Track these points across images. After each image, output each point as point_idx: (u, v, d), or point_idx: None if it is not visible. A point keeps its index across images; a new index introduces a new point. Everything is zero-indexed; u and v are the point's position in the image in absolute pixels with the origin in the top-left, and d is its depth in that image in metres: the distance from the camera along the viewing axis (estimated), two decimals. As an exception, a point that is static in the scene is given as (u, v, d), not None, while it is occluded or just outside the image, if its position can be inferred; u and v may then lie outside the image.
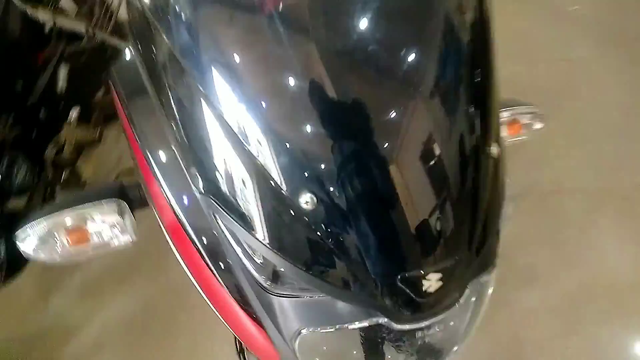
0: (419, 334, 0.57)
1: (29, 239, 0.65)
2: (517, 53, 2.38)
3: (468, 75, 0.54)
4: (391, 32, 0.51)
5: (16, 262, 1.55)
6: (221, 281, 0.60)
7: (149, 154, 0.64)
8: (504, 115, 0.77)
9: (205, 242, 0.60)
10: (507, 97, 0.79)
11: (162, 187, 0.63)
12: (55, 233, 0.65)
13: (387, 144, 0.49)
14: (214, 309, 0.64)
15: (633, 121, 2.08)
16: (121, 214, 0.67)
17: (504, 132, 0.80)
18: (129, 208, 0.68)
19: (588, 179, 1.93)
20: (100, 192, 0.67)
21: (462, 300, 0.58)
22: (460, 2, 0.55)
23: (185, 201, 0.61)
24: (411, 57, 0.50)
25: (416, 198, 0.50)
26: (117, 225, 0.67)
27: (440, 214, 0.51)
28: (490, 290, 0.62)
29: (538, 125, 0.82)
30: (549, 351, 1.53)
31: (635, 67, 2.27)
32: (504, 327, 1.58)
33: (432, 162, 0.50)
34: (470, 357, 1.49)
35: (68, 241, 0.65)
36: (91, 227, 0.66)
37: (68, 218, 0.65)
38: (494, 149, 0.56)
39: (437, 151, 0.50)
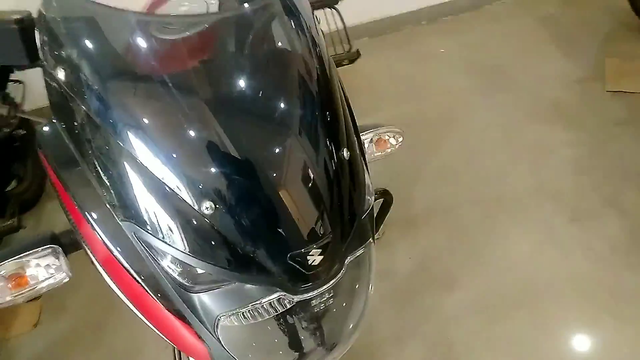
0: (315, 304, 0.71)
1: None
2: (405, 93, 2.71)
3: (317, 107, 0.74)
4: (252, 88, 0.70)
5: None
6: (152, 295, 0.70)
7: (76, 198, 0.73)
8: (369, 135, 0.96)
9: (134, 264, 0.71)
10: (373, 122, 0.99)
11: (92, 225, 0.72)
12: None
13: (264, 160, 0.67)
14: (152, 325, 0.73)
15: (508, 136, 2.42)
16: (56, 256, 0.75)
17: (373, 148, 0.98)
18: (63, 251, 0.76)
19: (481, 190, 2.20)
20: (35, 241, 0.75)
21: (345, 270, 0.73)
22: (309, 70, 0.75)
23: (112, 232, 0.70)
24: (273, 102, 0.70)
25: (292, 194, 0.67)
26: (53, 267, 0.75)
27: (313, 204, 0.68)
28: (373, 265, 0.77)
29: (399, 140, 1.01)
30: (476, 346, 1.68)
31: (500, 93, 2.67)
32: (433, 332, 1.72)
33: (301, 167, 0.68)
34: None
35: (10, 286, 0.71)
36: (29, 271, 0.73)
37: (8, 267, 0.72)
38: (346, 154, 0.75)
39: (304, 159, 0.69)
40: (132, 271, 0.70)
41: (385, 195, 1.01)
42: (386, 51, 3.03)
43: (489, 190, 2.19)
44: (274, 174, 0.67)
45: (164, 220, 0.66)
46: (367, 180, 0.81)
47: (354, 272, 0.76)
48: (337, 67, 1.51)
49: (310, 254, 0.66)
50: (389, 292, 1.83)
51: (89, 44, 0.69)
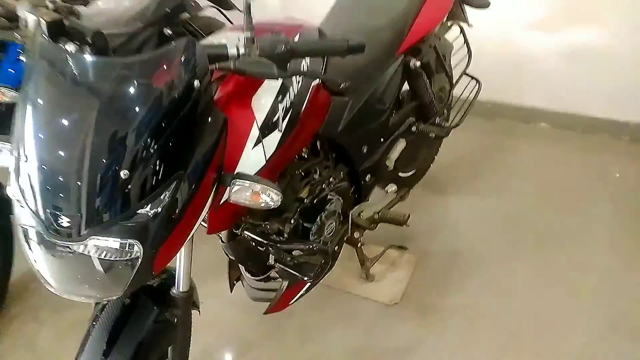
0: (68, 250, 0.85)
1: None
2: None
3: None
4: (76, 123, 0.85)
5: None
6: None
7: None
8: (244, 184, 1.03)
9: None
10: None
11: None
12: None
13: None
14: None
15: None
16: None
17: (247, 195, 1.03)
18: None
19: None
20: None
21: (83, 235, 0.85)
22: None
23: None
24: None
25: (59, 176, 0.83)
26: None
27: (64, 186, 0.83)
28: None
29: (273, 200, 1.04)
30: None
31: None
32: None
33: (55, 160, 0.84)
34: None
35: None
36: None
37: None
38: (123, 174, 0.85)
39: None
40: None
41: None
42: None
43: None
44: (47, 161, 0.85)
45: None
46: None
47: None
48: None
49: (61, 217, 0.83)
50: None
51: None
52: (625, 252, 1.99)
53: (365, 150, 1.64)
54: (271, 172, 1.16)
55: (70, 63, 0.83)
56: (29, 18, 0.95)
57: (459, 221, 2.24)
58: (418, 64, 1.78)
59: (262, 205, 1.01)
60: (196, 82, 0.88)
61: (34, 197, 0.84)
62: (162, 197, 0.86)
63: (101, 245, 0.84)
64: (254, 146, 1.09)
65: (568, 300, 1.80)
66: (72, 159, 0.82)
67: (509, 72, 2.89)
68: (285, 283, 1.48)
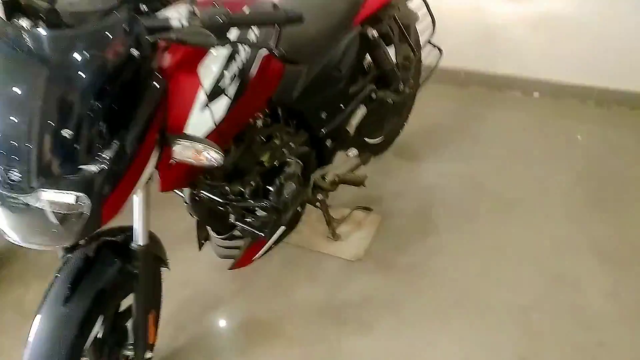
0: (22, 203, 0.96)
1: None
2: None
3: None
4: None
5: None
6: None
7: None
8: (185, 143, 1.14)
9: None
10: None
11: None
12: None
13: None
14: None
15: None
16: None
17: (189, 153, 1.14)
18: None
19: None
20: None
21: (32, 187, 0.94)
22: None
23: None
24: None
25: (11, 139, 0.93)
26: None
27: (16, 148, 0.92)
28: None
29: (214, 158, 1.15)
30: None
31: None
32: None
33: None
34: None
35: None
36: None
37: None
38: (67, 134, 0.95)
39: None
40: None
41: None
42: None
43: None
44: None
45: None
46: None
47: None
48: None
49: (10, 172, 0.93)
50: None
51: None
52: (579, 216, 2.11)
53: (324, 116, 1.73)
54: (221, 135, 1.25)
55: (24, 37, 0.92)
56: (-16, -4, 1.03)
57: (424, 186, 2.35)
58: (375, 33, 1.86)
59: (205, 163, 1.12)
60: (134, 52, 0.97)
61: None
62: (104, 154, 0.96)
63: (50, 198, 0.95)
64: (201, 110, 1.18)
65: (518, 260, 1.92)
66: (23, 123, 0.92)
67: (481, 40, 2.95)
68: (248, 240, 1.60)
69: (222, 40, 1.09)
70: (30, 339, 1.13)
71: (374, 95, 1.93)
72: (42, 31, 0.94)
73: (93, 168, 0.96)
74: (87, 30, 0.97)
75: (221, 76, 1.23)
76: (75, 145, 0.93)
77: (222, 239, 1.65)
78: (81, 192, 0.95)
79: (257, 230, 1.50)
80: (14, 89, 0.93)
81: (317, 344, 1.70)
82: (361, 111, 1.90)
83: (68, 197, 0.95)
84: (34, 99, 0.92)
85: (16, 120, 0.93)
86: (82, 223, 0.98)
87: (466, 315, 1.73)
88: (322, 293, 1.87)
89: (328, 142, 1.80)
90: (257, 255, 1.67)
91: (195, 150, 1.10)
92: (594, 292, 1.77)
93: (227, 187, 1.42)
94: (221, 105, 1.24)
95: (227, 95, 1.25)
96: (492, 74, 3.01)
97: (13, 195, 0.95)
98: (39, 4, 1.07)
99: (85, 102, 0.93)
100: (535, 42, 2.84)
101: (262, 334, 1.75)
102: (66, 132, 0.92)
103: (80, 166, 0.95)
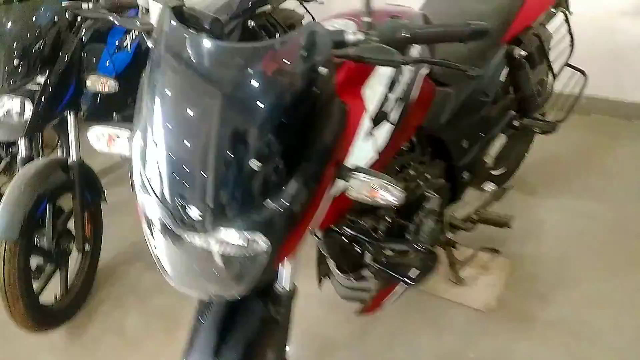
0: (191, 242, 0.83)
1: None
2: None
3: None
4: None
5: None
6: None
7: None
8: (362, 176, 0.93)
9: None
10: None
11: None
12: None
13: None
14: None
15: None
16: None
17: (363, 190, 0.94)
18: None
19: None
20: None
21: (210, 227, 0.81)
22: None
23: None
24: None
25: (189, 167, 0.82)
26: None
27: (193, 178, 0.81)
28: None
29: (395, 198, 0.93)
30: None
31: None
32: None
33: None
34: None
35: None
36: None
37: None
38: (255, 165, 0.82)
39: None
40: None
41: None
42: None
43: None
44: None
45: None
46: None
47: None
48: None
49: (190, 209, 0.81)
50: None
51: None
52: None
53: (465, 145, 1.54)
54: (383, 166, 1.09)
55: (197, 48, 0.81)
56: (152, 6, 0.94)
57: (553, 225, 2.07)
58: (523, 53, 1.65)
59: (382, 202, 0.94)
60: (321, 69, 0.82)
61: (162, 185, 0.82)
62: (288, 189, 0.81)
63: (227, 239, 0.80)
64: (365, 138, 1.02)
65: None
66: (201, 151, 0.80)
67: (608, 64, 2.66)
68: (379, 283, 1.41)
69: (407, 58, 0.92)
70: None
71: (516, 123, 1.71)
72: (218, 43, 0.81)
73: (275, 205, 0.81)
74: (266, 45, 0.84)
75: (386, 99, 1.07)
76: (258, 179, 0.79)
77: (347, 278, 1.47)
78: (261, 232, 0.80)
79: (395, 273, 1.30)
80: (189, 109, 0.81)
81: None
82: (501, 140, 1.69)
83: (244, 239, 0.80)
84: (217, 123, 0.78)
85: (194, 147, 0.80)
86: (254, 269, 0.83)
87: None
88: (450, 345, 1.64)
89: (465, 175, 1.59)
90: (388, 301, 1.48)
91: (372, 186, 0.92)
92: None
93: (362, 223, 1.25)
94: (383, 132, 1.08)
95: (388, 121, 1.09)
96: (620, 100, 2.70)
97: (184, 232, 0.82)
98: (204, 14, 0.96)
99: (273, 127, 0.79)
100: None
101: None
102: (254, 164, 0.77)
103: (263, 202, 0.81)
